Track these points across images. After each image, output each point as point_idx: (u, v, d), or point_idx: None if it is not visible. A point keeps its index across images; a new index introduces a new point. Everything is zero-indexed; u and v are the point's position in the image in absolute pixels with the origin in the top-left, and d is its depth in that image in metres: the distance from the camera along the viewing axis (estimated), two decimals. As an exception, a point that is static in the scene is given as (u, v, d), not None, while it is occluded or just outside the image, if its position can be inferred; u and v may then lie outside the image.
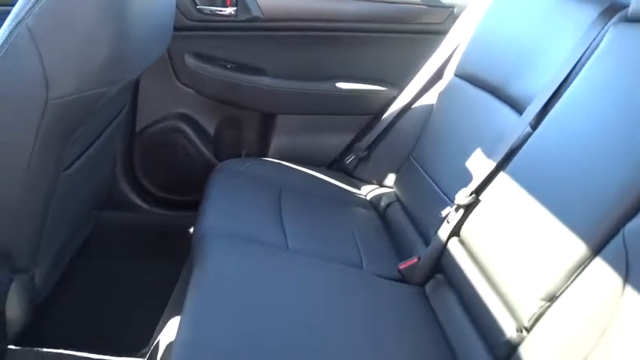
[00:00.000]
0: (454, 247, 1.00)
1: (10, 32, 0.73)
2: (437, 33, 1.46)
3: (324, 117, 1.57)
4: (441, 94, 1.37)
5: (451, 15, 1.47)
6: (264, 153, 1.56)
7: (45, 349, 1.03)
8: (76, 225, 1.20)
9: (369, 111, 1.54)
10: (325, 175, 1.49)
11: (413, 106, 1.45)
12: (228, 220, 1.11)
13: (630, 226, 0.66)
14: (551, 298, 0.72)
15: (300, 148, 1.56)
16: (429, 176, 1.23)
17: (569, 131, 0.85)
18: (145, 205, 1.57)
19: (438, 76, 1.42)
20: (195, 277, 0.89)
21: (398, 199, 1.37)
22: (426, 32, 1.48)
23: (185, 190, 1.56)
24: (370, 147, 1.50)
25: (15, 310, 0.95)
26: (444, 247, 1.02)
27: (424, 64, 1.44)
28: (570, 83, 0.89)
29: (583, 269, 0.70)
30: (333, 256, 1.08)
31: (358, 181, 1.52)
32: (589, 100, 0.84)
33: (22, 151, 0.81)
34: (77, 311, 1.22)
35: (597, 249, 0.68)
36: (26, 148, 0.80)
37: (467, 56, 1.32)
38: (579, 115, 0.84)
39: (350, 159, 1.53)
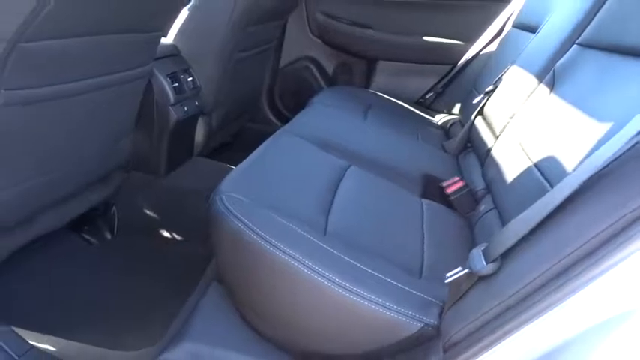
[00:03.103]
0: (479, 122, 1.44)
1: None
2: (503, 1, 1.89)
3: (414, 65, 2.06)
4: (500, 42, 1.79)
5: (519, -14, 1.89)
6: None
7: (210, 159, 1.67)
8: (237, 107, 1.84)
9: (447, 60, 2.00)
10: (409, 105, 1.97)
11: (480, 54, 1.89)
12: (328, 107, 1.65)
13: (559, 62, 1.07)
14: (512, 116, 1.15)
15: (394, 87, 2.07)
16: (477, 92, 1.66)
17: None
18: (275, 121, 2.19)
19: (499, 32, 1.85)
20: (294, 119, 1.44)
21: (459, 121, 1.81)
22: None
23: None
24: (445, 85, 1.97)
25: (199, 135, 1.60)
26: (472, 123, 1.45)
27: (490, 23, 1.88)
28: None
29: (532, 93, 1.12)
30: (397, 132, 1.57)
31: (434, 112, 1.99)
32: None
33: (219, 29, 1.45)
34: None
35: (540, 80, 1.11)
36: (221, 28, 1.45)
37: (522, 10, 1.73)
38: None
39: (429, 95, 2.01)
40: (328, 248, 0.75)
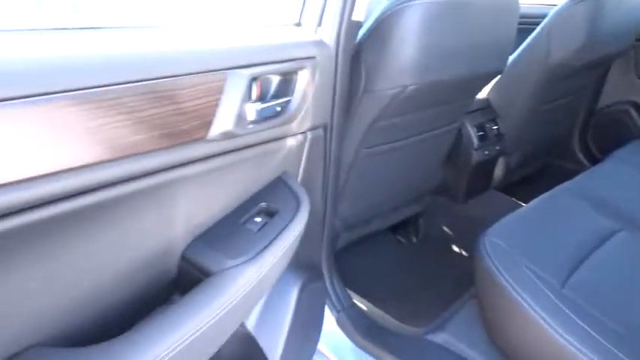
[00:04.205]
0: None
1: (540, 30, 1.62)
2: None
3: None
4: None
5: None
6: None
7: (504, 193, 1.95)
8: (539, 148, 2.03)
9: None
10: None
11: None
12: (625, 164, 1.67)
13: None
14: None
15: None
16: None
17: None
18: (584, 161, 2.25)
19: None
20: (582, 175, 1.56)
21: None
22: None
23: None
24: None
25: (498, 172, 1.89)
26: None
27: None
28: None
29: None
30: None
31: None
32: None
33: (528, 87, 1.70)
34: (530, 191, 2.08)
35: None
36: (530, 87, 1.69)
37: None
38: None
39: None
40: (553, 298, 0.98)
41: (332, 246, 1.34)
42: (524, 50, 1.69)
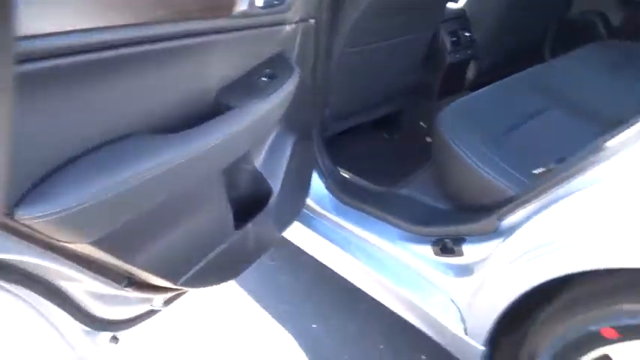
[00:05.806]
0: None
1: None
2: None
3: None
4: None
5: None
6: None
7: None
8: (510, 56, 2.32)
9: None
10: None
11: None
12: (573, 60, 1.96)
13: None
14: None
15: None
16: None
17: None
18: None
19: None
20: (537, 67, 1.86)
21: None
22: None
23: None
24: None
25: (470, 74, 2.19)
26: None
27: None
28: None
29: None
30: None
31: None
32: None
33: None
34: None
35: None
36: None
37: None
38: None
39: None
40: (485, 150, 1.32)
41: (323, 127, 1.68)
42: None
